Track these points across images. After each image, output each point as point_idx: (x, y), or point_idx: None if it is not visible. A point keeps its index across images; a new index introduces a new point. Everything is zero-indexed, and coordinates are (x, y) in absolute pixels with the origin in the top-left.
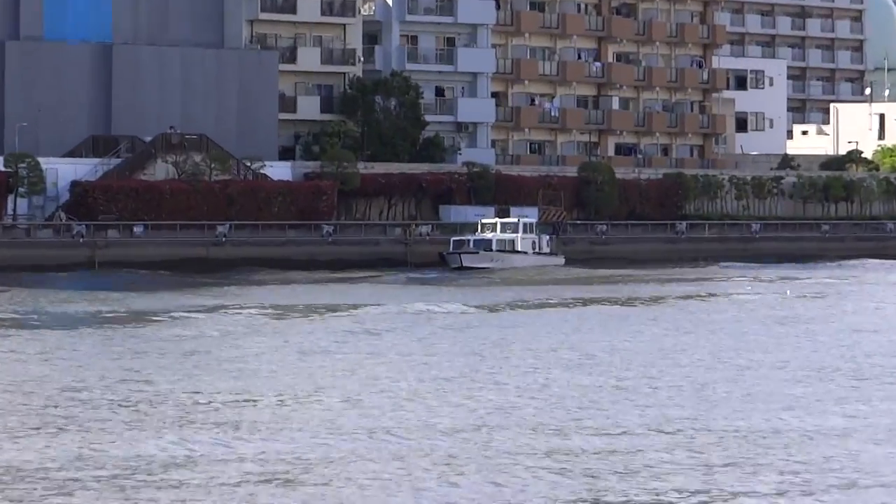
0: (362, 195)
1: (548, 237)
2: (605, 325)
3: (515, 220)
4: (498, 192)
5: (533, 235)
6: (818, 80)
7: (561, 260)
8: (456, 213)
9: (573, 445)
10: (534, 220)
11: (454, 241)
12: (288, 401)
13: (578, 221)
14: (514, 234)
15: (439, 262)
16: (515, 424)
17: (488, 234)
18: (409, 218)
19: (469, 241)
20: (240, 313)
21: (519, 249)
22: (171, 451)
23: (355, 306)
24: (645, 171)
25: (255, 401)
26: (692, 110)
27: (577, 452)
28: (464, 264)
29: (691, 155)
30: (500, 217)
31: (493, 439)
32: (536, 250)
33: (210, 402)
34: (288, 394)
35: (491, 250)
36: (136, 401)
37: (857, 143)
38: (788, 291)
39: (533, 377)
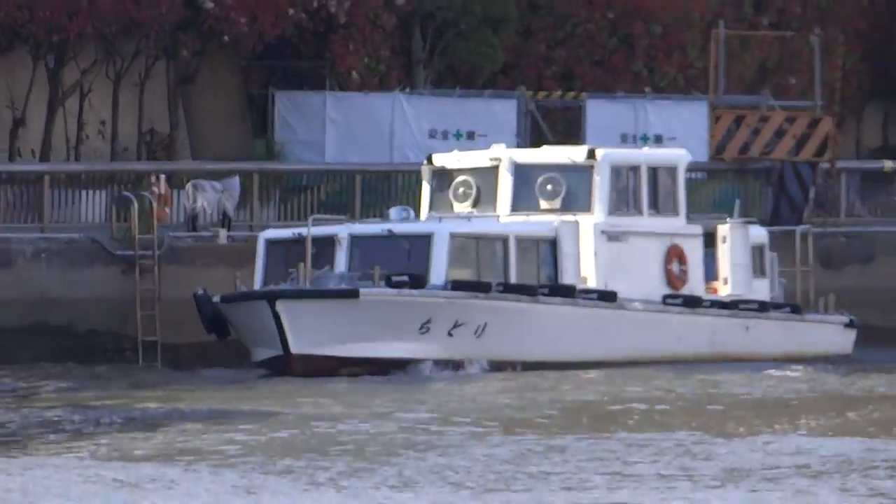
0: None
1: (770, 254)
2: None
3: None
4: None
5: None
6: None
7: (845, 342)
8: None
9: None
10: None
11: (267, 241)
12: None
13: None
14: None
15: (206, 329)
16: None
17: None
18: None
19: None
20: None
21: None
22: None
23: None
24: None
25: None
26: None
27: None
28: (293, 349)
29: None
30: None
31: None
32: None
33: None
34: None
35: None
36: None
37: None
38: None
39: None
